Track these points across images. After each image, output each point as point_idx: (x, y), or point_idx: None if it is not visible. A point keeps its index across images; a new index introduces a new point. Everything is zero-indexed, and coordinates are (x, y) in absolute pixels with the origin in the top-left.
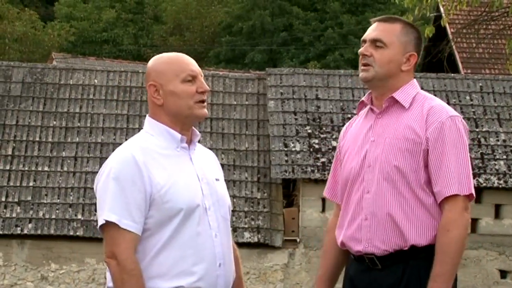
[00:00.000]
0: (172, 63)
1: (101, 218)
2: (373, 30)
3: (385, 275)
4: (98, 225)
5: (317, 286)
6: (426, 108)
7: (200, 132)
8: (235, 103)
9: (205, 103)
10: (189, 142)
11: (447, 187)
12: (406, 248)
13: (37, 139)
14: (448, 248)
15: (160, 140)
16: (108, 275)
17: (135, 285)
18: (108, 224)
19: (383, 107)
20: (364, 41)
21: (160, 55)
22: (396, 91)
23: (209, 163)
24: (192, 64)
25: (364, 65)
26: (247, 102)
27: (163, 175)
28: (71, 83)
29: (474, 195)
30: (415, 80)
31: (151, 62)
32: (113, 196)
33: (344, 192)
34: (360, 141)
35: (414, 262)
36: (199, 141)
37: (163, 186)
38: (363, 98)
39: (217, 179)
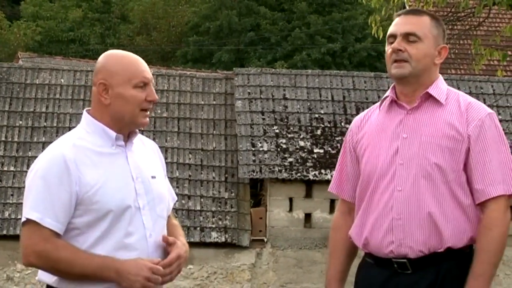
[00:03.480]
0: (127, 65)
1: (23, 216)
2: (404, 24)
3: (417, 279)
4: (21, 223)
5: (330, 287)
6: (464, 104)
7: (167, 131)
8: (202, 103)
9: (148, 112)
10: (126, 139)
11: (491, 186)
12: (441, 250)
13: (3, 139)
14: (490, 247)
15: (96, 138)
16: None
17: (70, 254)
18: (29, 222)
19: (416, 102)
20: (393, 36)
21: (113, 52)
22: (430, 87)
23: (147, 160)
24: (146, 70)
25: (398, 61)
26: (214, 102)
27: (94, 175)
28: (37, 82)
29: None
30: (440, 75)
31: (103, 58)
32: (37, 195)
33: (364, 189)
34: (388, 137)
35: (447, 264)
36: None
37: (92, 186)
38: (388, 93)
39: (153, 177)
